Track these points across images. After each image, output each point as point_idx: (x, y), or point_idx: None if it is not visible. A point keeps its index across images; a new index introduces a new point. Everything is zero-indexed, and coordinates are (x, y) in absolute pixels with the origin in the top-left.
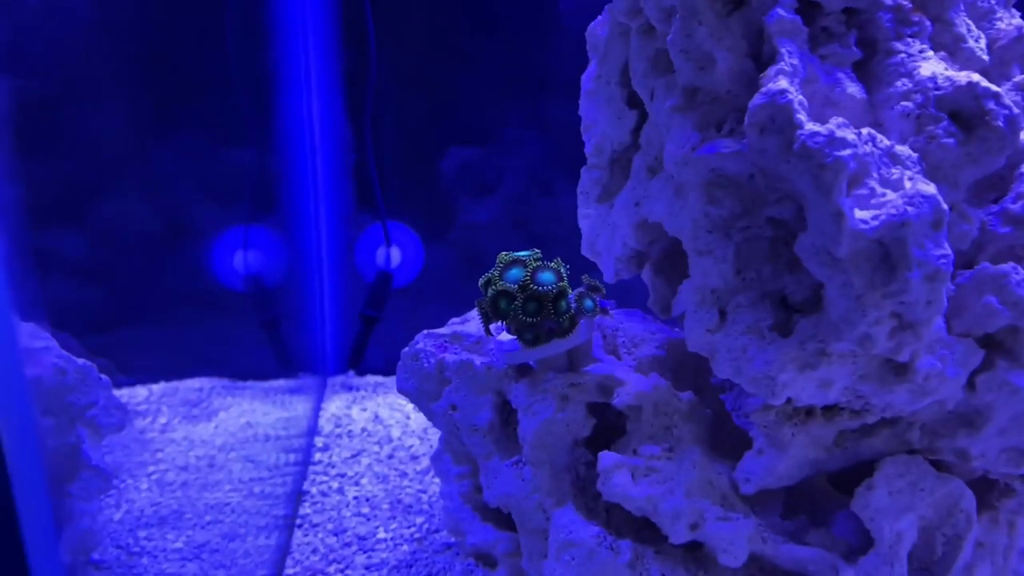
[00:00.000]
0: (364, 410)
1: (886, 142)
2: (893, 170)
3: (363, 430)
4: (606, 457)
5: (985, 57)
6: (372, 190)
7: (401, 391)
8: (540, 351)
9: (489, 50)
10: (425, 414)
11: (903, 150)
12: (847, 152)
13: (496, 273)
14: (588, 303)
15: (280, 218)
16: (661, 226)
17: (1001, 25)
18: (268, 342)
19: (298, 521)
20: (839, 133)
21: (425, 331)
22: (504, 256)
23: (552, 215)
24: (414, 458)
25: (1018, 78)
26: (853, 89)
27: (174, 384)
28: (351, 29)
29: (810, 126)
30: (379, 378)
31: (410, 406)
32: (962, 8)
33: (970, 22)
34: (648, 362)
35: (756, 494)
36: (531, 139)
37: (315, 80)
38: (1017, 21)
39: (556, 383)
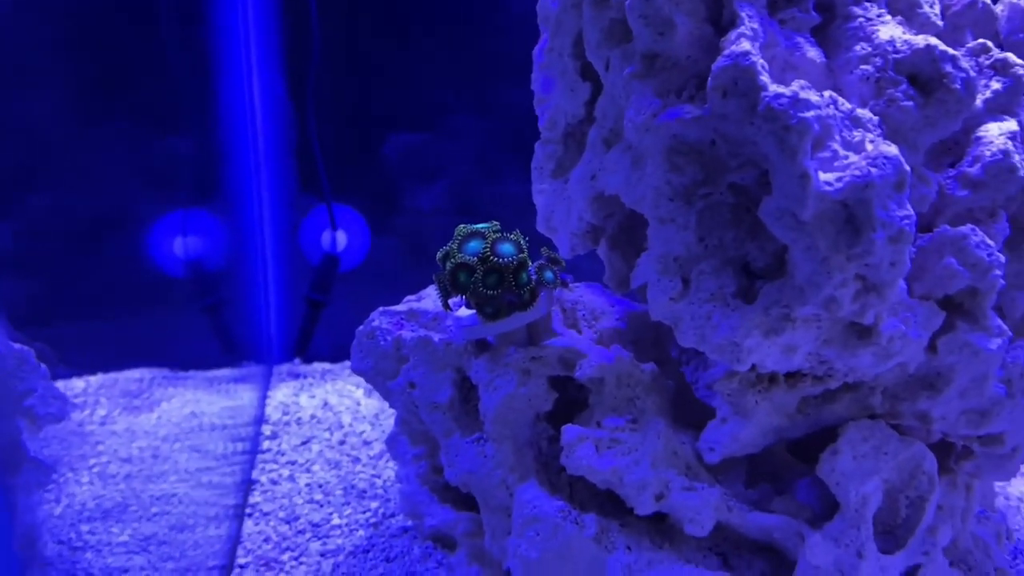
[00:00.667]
0: (312, 397)
1: (847, 105)
2: (855, 133)
3: (312, 417)
4: (569, 431)
5: (939, 23)
6: (316, 171)
7: (356, 371)
8: (500, 325)
9: (434, 28)
10: (381, 394)
11: (864, 113)
12: (811, 114)
13: (454, 246)
14: (548, 275)
15: (221, 201)
16: (618, 199)
17: None
18: (210, 329)
19: (248, 510)
20: (803, 95)
21: (380, 308)
22: (462, 228)
23: (498, 199)
24: (366, 443)
25: (971, 43)
26: (813, 53)
27: (113, 375)
28: (291, 3)
29: (774, 87)
30: (326, 365)
31: (360, 392)
32: None
33: None
34: (609, 334)
35: (720, 464)
36: (475, 124)
37: (255, 57)
38: None
39: (517, 357)
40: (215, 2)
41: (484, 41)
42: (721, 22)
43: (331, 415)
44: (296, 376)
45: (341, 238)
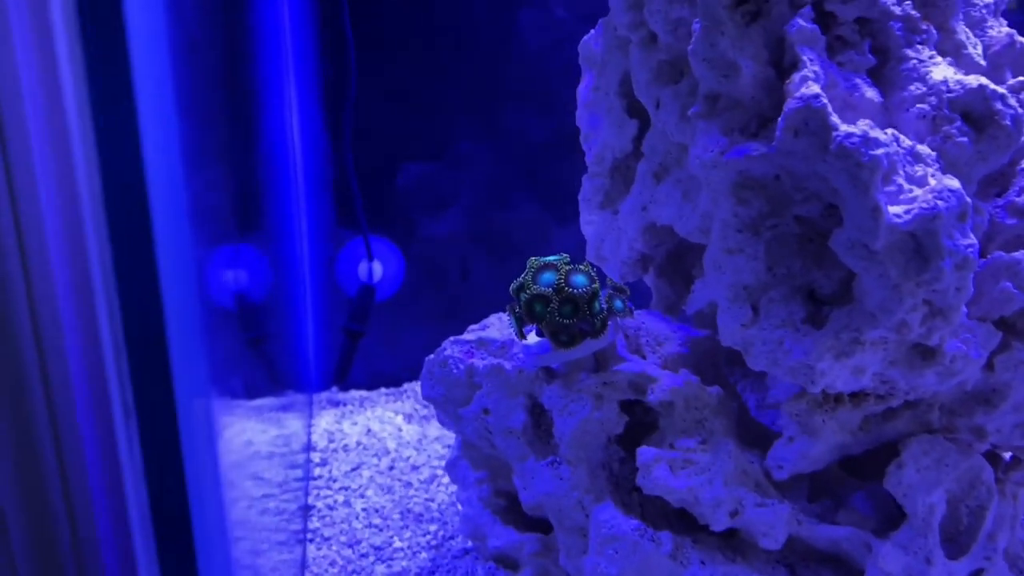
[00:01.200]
0: (355, 424)
1: (908, 142)
2: (916, 167)
3: (358, 443)
4: (645, 452)
5: (983, 62)
6: (352, 203)
7: (428, 398)
8: (574, 352)
9: (464, 63)
10: (450, 420)
11: (923, 149)
12: (880, 151)
13: (528, 278)
14: (618, 303)
15: (264, 235)
16: (669, 229)
17: (992, 32)
18: (255, 360)
19: (309, 535)
20: (872, 133)
21: (451, 338)
22: (534, 261)
23: (517, 226)
24: (415, 468)
25: (1012, 81)
26: (870, 93)
27: None
28: (329, 41)
29: (845, 127)
30: (363, 392)
31: (400, 418)
32: (961, 17)
33: (967, 30)
34: (673, 359)
35: (787, 480)
36: (484, 152)
37: (295, 92)
38: (1007, 29)
39: (590, 383)
40: (261, 44)
41: (509, 72)
42: (783, 64)
43: (376, 441)
44: (336, 404)
45: (377, 269)
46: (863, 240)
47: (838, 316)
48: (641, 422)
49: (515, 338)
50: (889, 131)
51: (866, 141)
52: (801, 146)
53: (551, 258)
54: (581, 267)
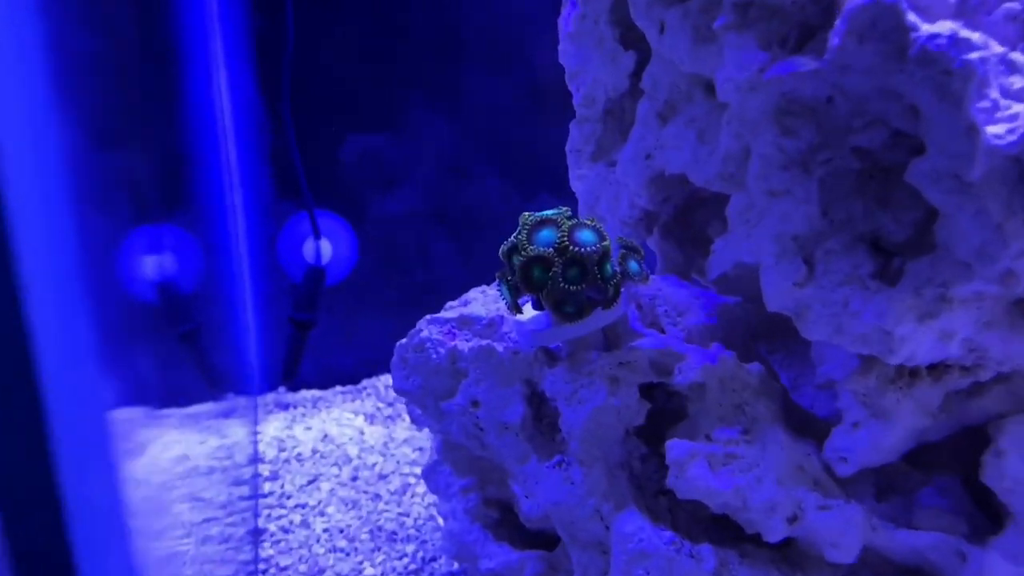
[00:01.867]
0: (309, 429)
1: (999, 48)
2: (1012, 78)
3: (314, 451)
4: (678, 446)
5: None
6: (294, 175)
7: (399, 391)
8: (582, 325)
9: (419, 12)
10: (429, 417)
11: (1018, 57)
12: (975, 55)
13: (523, 236)
14: (633, 265)
15: (192, 214)
16: (679, 179)
17: None
18: (189, 358)
19: (262, 566)
20: (962, 34)
21: (428, 316)
22: (528, 216)
23: (484, 199)
24: (382, 477)
25: None
26: None
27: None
28: None
29: (927, 27)
30: (316, 392)
31: (360, 419)
32: None
33: None
34: (699, 332)
35: (851, 477)
36: (443, 121)
37: (222, 50)
38: None
39: (603, 363)
40: None
41: (470, 23)
42: None
43: (334, 448)
44: (284, 407)
45: (326, 248)
46: (954, 169)
47: (917, 268)
48: (664, 410)
49: (507, 312)
50: (978, 33)
51: (956, 43)
52: (866, 56)
53: (548, 212)
54: (587, 221)
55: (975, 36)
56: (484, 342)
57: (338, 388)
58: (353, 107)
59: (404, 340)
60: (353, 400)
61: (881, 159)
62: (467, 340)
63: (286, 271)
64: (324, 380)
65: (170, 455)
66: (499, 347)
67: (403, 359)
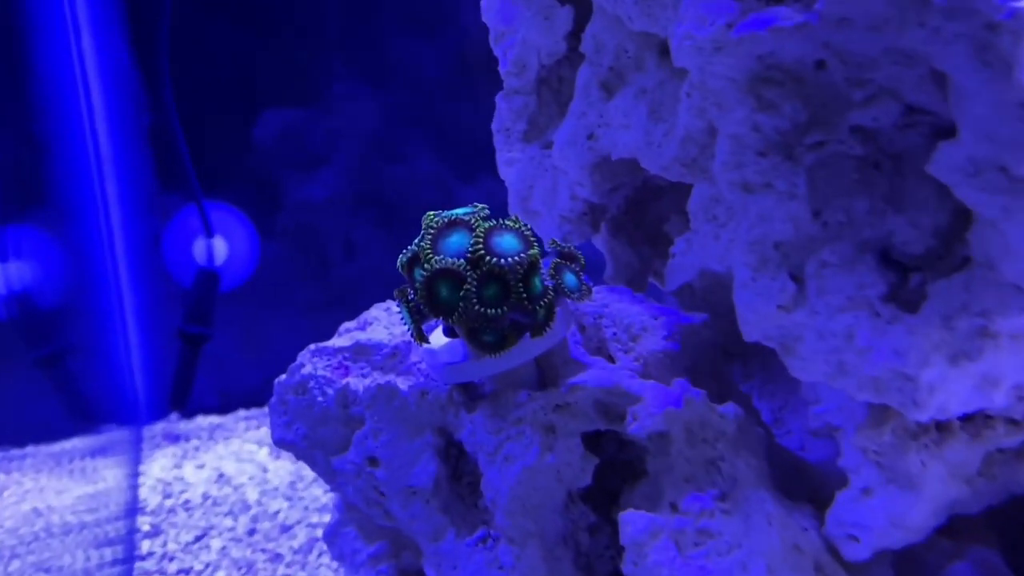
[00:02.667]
0: (201, 467)
1: None
2: None
3: (205, 496)
4: (634, 521)
5: None
6: (180, 160)
7: (279, 443)
8: (506, 358)
9: None
10: (321, 475)
11: None
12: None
13: (426, 244)
14: (570, 278)
15: (50, 211)
16: (629, 164)
17: None
18: (52, 387)
19: None
20: None
21: (312, 346)
22: (432, 217)
23: (407, 182)
24: (286, 529)
25: None
26: None
27: None
28: None
29: None
30: (214, 419)
31: (264, 452)
32: None
33: None
34: (658, 361)
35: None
36: (365, 93)
37: (84, 7)
38: None
39: (535, 407)
40: None
41: None
42: None
43: (230, 491)
44: (175, 439)
45: (220, 247)
46: (999, 159)
47: (946, 290)
48: (615, 461)
49: (412, 340)
50: None
51: None
52: (873, 5)
53: (459, 211)
54: (508, 222)
55: None
56: (384, 379)
57: (240, 412)
58: (258, 79)
59: (284, 377)
60: (258, 427)
61: (890, 143)
62: (364, 376)
63: (173, 275)
64: (224, 403)
65: (21, 509)
66: (403, 385)
67: (283, 402)
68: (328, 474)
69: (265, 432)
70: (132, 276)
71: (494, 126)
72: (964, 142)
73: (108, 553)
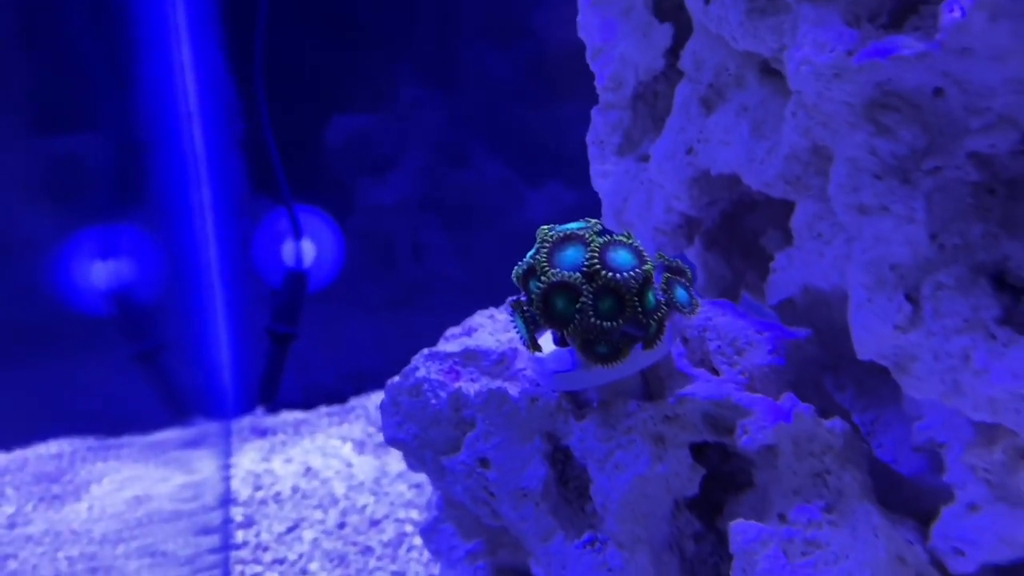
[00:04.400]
0: (289, 461)
1: None
2: None
3: (294, 489)
4: (744, 531)
5: None
6: (271, 166)
7: (392, 442)
8: (619, 368)
9: None
10: (430, 473)
11: None
12: None
13: (542, 257)
14: (681, 294)
15: (151, 212)
16: (729, 179)
17: None
18: (148, 381)
19: None
20: None
21: (426, 351)
22: (547, 231)
23: (484, 187)
24: (374, 524)
25: None
26: None
27: (19, 453)
28: None
29: None
30: (298, 414)
31: (348, 448)
32: None
33: None
34: (763, 375)
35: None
36: (437, 96)
37: (184, 21)
38: None
39: (644, 417)
40: None
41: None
42: None
43: (318, 485)
44: (262, 433)
45: (308, 249)
46: None
47: None
48: (719, 472)
49: (523, 347)
50: None
51: None
52: (1000, 37)
53: (573, 226)
54: (621, 237)
55: None
56: (494, 384)
57: (323, 409)
58: (336, 86)
59: (397, 379)
60: (340, 423)
61: (1006, 170)
62: (473, 380)
63: (263, 276)
64: (307, 399)
65: (123, 496)
66: (513, 391)
67: (395, 403)
68: (437, 473)
69: (348, 428)
70: (224, 276)
71: (588, 138)
72: None
73: (206, 541)
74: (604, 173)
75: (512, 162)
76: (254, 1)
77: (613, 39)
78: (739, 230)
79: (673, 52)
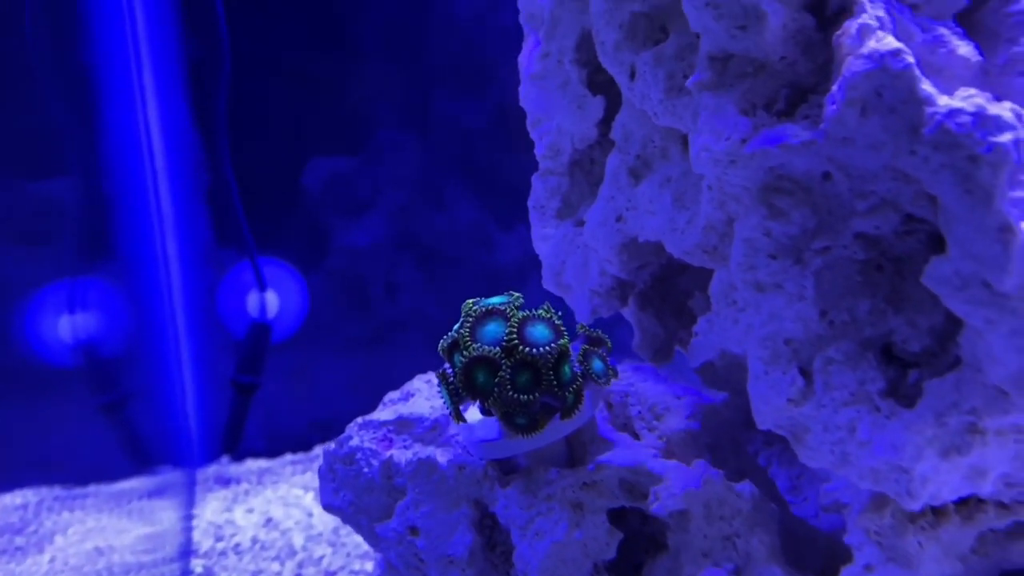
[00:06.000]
0: (251, 511)
1: None
2: None
3: (254, 541)
4: None
5: None
6: (235, 217)
7: (328, 508)
8: (537, 438)
9: (379, 29)
10: (366, 539)
11: None
12: (1007, 138)
13: (465, 332)
14: (597, 364)
15: (117, 264)
16: (655, 246)
17: None
18: (114, 431)
19: None
20: (992, 110)
21: (358, 420)
22: (471, 306)
23: (448, 231)
24: (329, 575)
25: None
26: (965, 50)
27: None
28: (191, 5)
29: (945, 100)
30: (262, 462)
31: (309, 497)
32: None
33: None
34: (680, 440)
35: None
36: (410, 142)
37: (149, 76)
38: None
39: (563, 485)
40: (94, 6)
41: (437, 42)
42: (825, 11)
43: (278, 536)
44: (226, 482)
45: (271, 300)
46: (982, 276)
47: (939, 388)
48: (638, 534)
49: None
50: (1007, 105)
51: (982, 122)
52: (871, 130)
53: (495, 300)
54: (540, 312)
55: (1006, 111)
56: (425, 453)
57: (288, 456)
58: (305, 135)
59: (332, 446)
60: (303, 472)
61: (891, 248)
62: (406, 447)
63: (228, 328)
64: (272, 447)
65: (85, 548)
66: (443, 460)
67: (331, 470)
68: (372, 538)
69: (311, 477)
70: (189, 327)
71: (530, 203)
72: (952, 258)
73: None
74: (544, 237)
75: (483, 203)
76: (218, 57)
77: (551, 110)
78: (670, 291)
79: (605, 122)
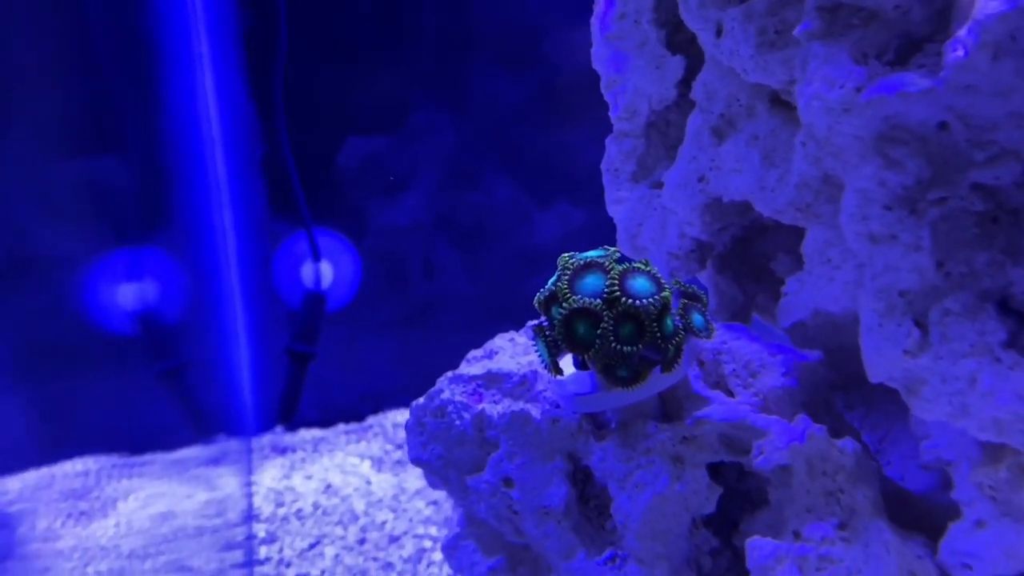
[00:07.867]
0: (309, 478)
1: None
2: None
3: (315, 506)
4: (760, 547)
5: None
6: (291, 189)
7: (417, 462)
8: (638, 391)
9: (422, 8)
10: (454, 492)
11: None
12: None
13: (563, 284)
14: (698, 319)
15: (175, 235)
16: (740, 206)
17: None
18: (172, 399)
19: None
20: None
21: (449, 374)
22: (568, 259)
23: (497, 208)
24: (393, 540)
25: None
26: None
27: (46, 471)
28: None
29: None
30: (316, 432)
31: (367, 465)
32: None
33: None
34: (777, 397)
35: None
36: (446, 121)
37: (207, 49)
38: None
39: (663, 438)
40: None
41: (478, 18)
42: None
43: (338, 501)
44: (282, 451)
45: (326, 271)
46: None
47: None
48: (735, 491)
49: (545, 371)
50: None
51: None
52: (1003, 75)
53: (593, 253)
54: (639, 265)
55: None
56: (517, 406)
57: (341, 427)
58: (351, 110)
59: (422, 400)
60: (358, 441)
61: (1009, 200)
62: (496, 402)
63: (283, 297)
64: (326, 418)
65: (149, 512)
66: (535, 413)
67: (420, 424)
68: (461, 491)
69: (366, 446)
70: (245, 297)
71: (603, 166)
72: None
73: (230, 557)
74: (619, 199)
75: (521, 182)
76: (273, 28)
77: (626, 71)
78: (750, 254)
79: (685, 83)
